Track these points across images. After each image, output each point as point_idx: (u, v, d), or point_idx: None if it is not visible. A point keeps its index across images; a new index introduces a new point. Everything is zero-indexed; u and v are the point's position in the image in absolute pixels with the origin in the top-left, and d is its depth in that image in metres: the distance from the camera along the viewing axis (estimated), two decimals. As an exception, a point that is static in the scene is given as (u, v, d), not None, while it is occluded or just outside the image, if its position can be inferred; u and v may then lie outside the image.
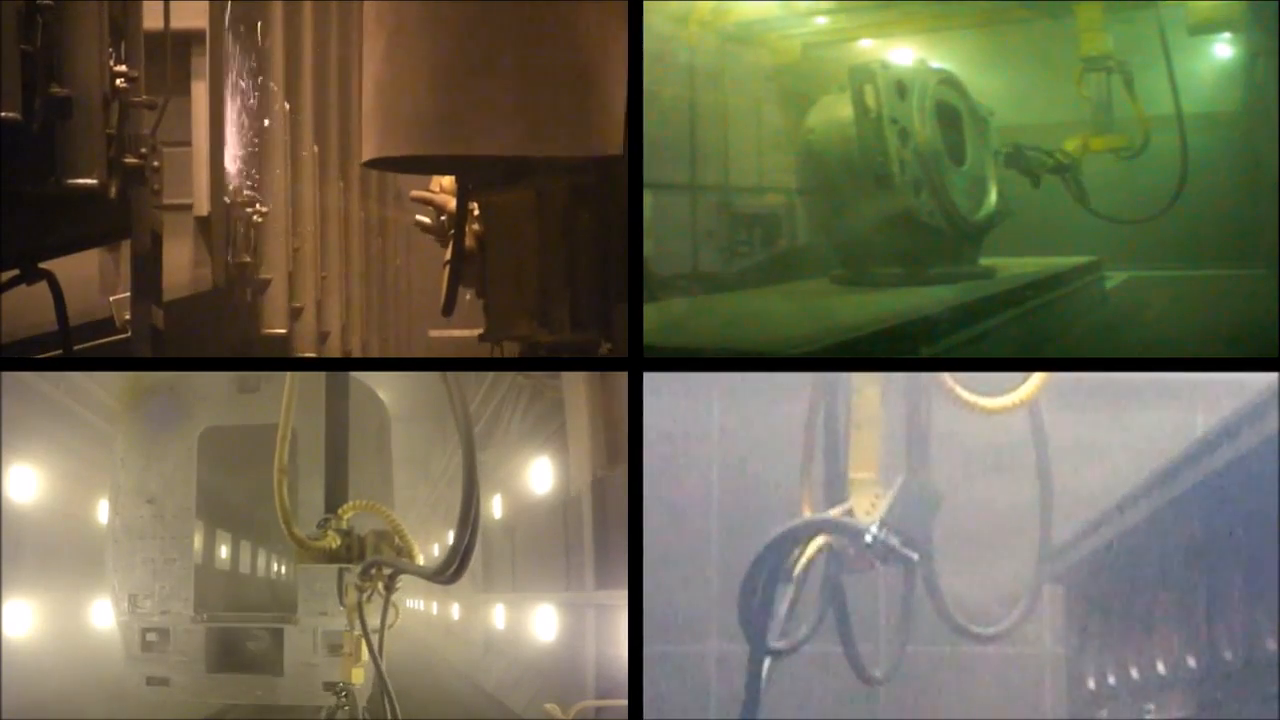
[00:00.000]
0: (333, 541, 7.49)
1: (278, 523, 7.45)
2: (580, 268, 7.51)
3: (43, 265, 8.06)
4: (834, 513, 6.85)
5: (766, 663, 6.93)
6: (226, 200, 11.99)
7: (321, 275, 16.32)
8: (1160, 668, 9.12)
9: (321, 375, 9.09)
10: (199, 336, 11.74)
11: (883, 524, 6.66)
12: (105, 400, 14.00)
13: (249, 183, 12.79)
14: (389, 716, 7.31)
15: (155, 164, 8.43)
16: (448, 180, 8.30)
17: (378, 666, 7.32)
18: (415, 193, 8.60)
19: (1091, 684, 10.82)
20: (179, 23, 9.34)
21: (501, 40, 6.87)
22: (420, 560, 7.39)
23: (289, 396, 7.53)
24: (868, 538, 6.66)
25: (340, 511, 7.61)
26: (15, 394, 11.92)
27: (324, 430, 8.53)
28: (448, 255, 8.10)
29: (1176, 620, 8.81)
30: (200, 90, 11.55)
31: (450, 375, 6.26)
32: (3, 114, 6.81)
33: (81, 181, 7.34)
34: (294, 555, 7.69)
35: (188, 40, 11.29)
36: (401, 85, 6.98)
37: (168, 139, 9.13)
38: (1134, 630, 9.72)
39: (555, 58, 6.88)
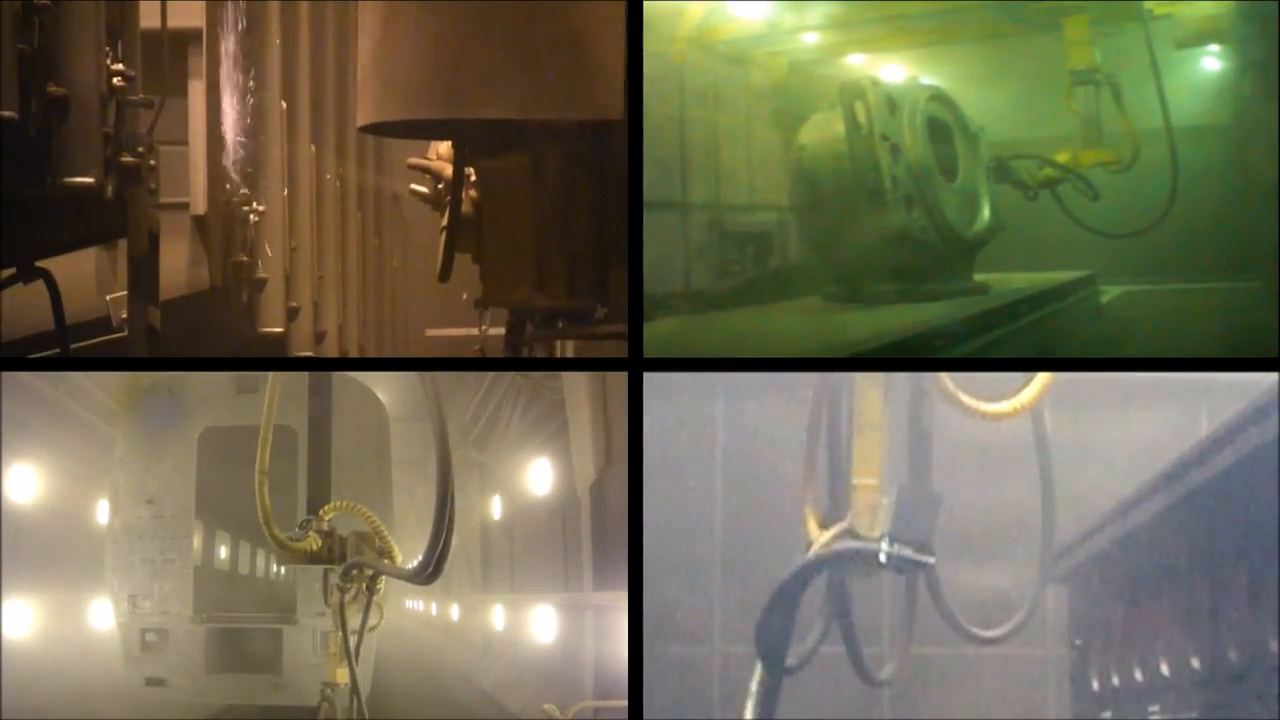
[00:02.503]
0: (313, 543, 7.50)
1: (259, 524, 7.45)
2: (577, 232, 7.52)
3: (40, 264, 8.04)
4: (831, 534, 6.83)
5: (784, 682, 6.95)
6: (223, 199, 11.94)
7: (318, 275, 16.27)
8: (1164, 669, 9.10)
9: (327, 378, 9.07)
10: (196, 336, 11.70)
11: (892, 539, 6.64)
12: (104, 400, 14.00)
13: (245, 182, 12.73)
14: (356, 716, 7.34)
15: (152, 163, 8.39)
16: (444, 148, 8.29)
17: (350, 667, 7.36)
18: (412, 160, 8.59)
19: (1096, 685, 10.81)
20: (176, 22, 9.30)
21: (498, 4, 6.88)
22: (409, 561, 7.38)
23: (270, 401, 7.53)
24: (881, 557, 6.65)
25: (321, 513, 7.63)
26: (15, 394, 11.91)
27: (306, 431, 8.52)
28: (444, 222, 8.09)
29: (1180, 621, 8.79)
30: (197, 89, 11.50)
31: (428, 376, 6.26)
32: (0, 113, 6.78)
33: (78, 180, 7.32)
34: (276, 557, 7.70)
35: (185, 39, 11.24)
36: (399, 50, 6.99)
37: (165, 138, 9.08)
38: (1138, 631, 9.70)
39: (551, 21, 6.89)
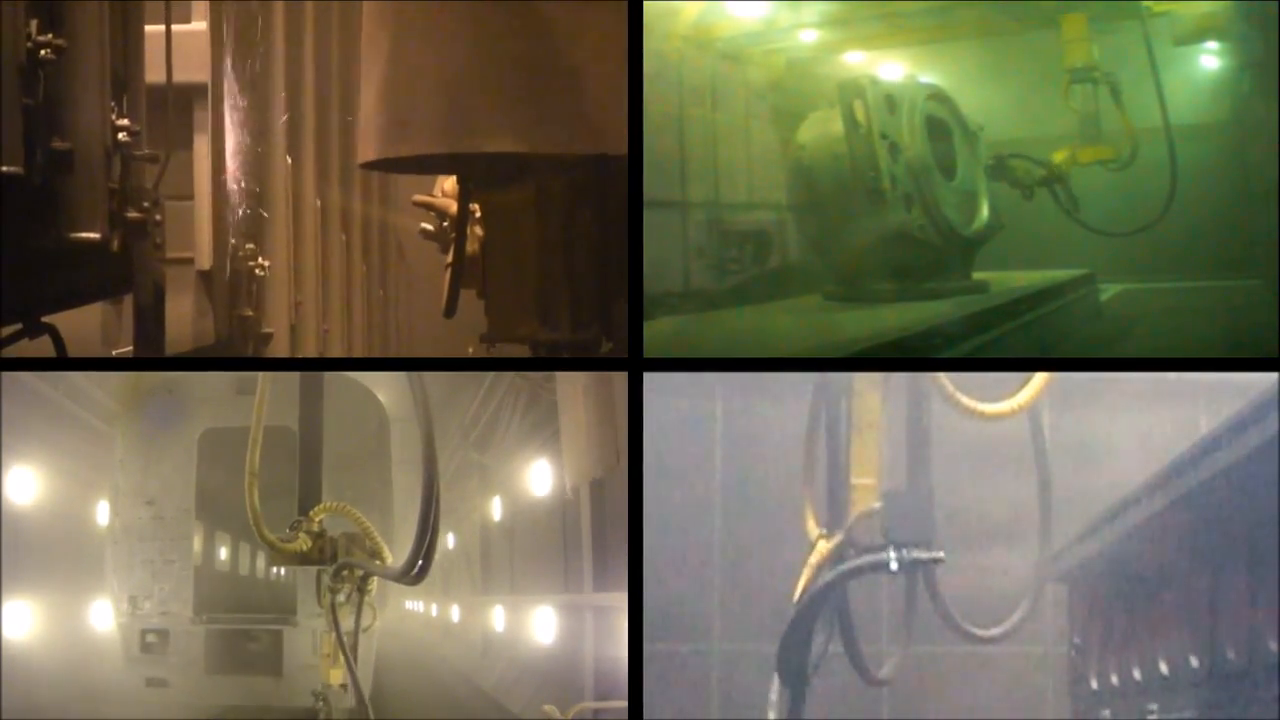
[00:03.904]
0: (304, 544, 7.53)
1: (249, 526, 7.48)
2: (580, 266, 7.50)
3: (45, 319, 7.98)
4: (831, 544, 6.85)
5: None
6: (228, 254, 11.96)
7: (324, 330, 16.29)
8: (1163, 668, 9.10)
9: (318, 378, 9.08)
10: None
11: (897, 545, 6.64)
12: (105, 402, 14.01)
13: (250, 237, 12.72)
14: (363, 717, 7.36)
15: (157, 218, 8.34)
16: (449, 184, 8.29)
17: (349, 666, 7.37)
18: (417, 197, 8.60)
19: (1094, 684, 10.81)
20: (181, 76, 9.25)
21: (503, 39, 6.88)
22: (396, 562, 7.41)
23: (260, 404, 7.55)
24: (893, 565, 6.65)
25: (311, 514, 7.65)
26: (15, 395, 11.91)
27: (298, 433, 8.55)
28: (449, 258, 8.09)
29: (1179, 620, 8.80)
30: (202, 144, 11.47)
31: (415, 376, 6.29)
32: (4, 168, 6.71)
33: (83, 235, 7.21)
34: (267, 558, 7.75)
35: (190, 94, 11.23)
36: (405, 86, 6.98)
37: (170, 193, 9.05)
38: (1137, 630, 9.71)
39: (556, 55, 6.88)
